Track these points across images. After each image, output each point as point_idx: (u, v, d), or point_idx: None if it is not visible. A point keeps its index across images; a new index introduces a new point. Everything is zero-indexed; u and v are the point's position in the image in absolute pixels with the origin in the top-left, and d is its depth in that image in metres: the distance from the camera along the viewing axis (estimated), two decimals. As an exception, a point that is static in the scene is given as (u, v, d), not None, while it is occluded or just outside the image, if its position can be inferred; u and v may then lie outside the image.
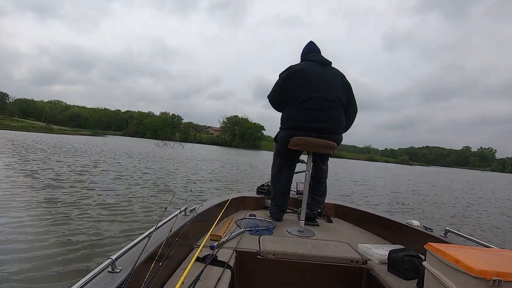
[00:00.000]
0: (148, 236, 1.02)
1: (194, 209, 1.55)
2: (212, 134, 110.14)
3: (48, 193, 4.63)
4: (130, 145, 27.20)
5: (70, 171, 7.13)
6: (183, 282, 0.80)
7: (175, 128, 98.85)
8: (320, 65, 1.95)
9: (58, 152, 12.29)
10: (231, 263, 1.23)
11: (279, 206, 2.07)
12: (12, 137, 20.70)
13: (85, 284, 0.70)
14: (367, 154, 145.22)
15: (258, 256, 1.40)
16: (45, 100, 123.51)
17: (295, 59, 2.18)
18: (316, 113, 1.82)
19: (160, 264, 0.92)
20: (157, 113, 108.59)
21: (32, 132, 43.96)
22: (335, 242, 1.62)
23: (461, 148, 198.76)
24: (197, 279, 0.92)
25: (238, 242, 1.48)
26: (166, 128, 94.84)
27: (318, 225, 2.01)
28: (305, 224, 1.81)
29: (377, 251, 1.40)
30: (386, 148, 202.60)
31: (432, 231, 1.52)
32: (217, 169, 11.87)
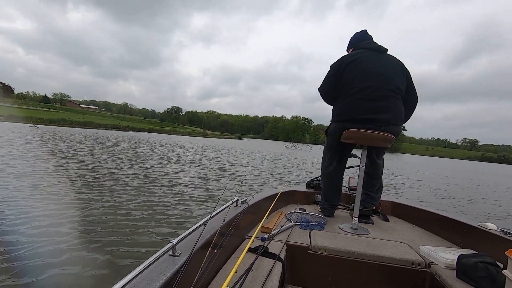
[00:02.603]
0: (204, 224, 1.05)
1: (245, 200, 1.57)
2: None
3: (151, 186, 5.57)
4: (265, 147, 29.88)
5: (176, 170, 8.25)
6: (236, 271, 0.82)
7: (305, 130, 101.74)
8: (376, 53, 1.81)
9: (205, 153, 14.88)
10: (282, 256, 1.24)
11: (330, 202, 2.00)
12: (182, 142, 27.35)
13: (150, 264, 0.76)
14: None
15: (309, 251, 1.37)
16: (204, 111, 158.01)
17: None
18: (372, 104, 1.69)
19: (215, 251, 0.95)
20: (289, 117, 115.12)
21: (194, 136, 58.21)
22: (393, 242, 1.51)
23: None
24: (249, 268, 0.93)
25: (289, 236, 1.47)
26: (297, 131, 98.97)
27: (373, 223, 1.89)
28: (358, 221, 1.72)
29: (443, 254, 1.29)
30: None
31: None
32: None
